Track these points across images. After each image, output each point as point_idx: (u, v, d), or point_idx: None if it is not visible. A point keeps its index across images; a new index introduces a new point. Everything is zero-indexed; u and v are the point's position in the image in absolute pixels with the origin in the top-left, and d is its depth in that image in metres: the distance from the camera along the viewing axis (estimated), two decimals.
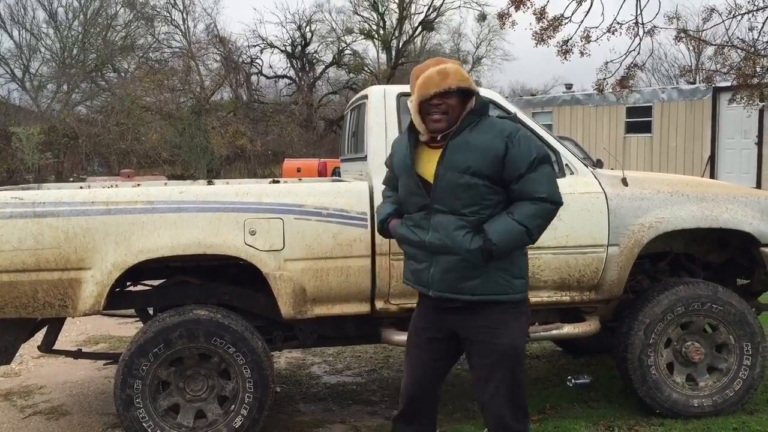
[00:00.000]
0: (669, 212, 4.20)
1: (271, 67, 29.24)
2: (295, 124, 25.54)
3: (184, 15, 28.69)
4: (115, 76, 27.72)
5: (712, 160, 15.57)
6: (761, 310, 4.73)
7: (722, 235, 4.48)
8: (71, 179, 17.93)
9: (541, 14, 11.22)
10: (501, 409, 2.83)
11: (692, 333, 4.29)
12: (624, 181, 4.22)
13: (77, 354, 4.49)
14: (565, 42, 11.44)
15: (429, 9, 30.12)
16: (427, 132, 2.83)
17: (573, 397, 4.66)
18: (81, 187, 4.31)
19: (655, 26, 11.26)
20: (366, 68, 30.56)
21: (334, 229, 3.86)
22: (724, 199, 4.33)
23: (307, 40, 29.40)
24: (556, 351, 5.78)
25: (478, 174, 2.73)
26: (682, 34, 12.39)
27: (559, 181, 2.90)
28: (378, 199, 3.92)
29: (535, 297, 4.01)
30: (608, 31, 11.23)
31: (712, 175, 15.30)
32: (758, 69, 11.36)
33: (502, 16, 11.62)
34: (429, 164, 2.83)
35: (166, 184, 5.02)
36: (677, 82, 24.82)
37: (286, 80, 29.81)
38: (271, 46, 28.65)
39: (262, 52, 28.72)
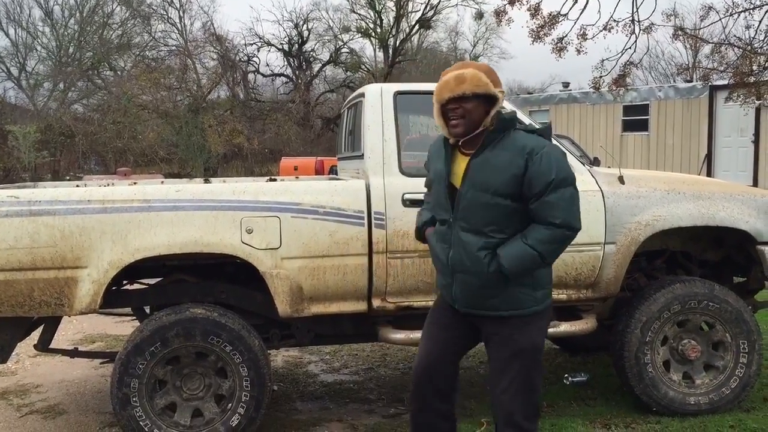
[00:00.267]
0: (666, 210, 4.20)
1: (268, 65, 29.20)
2: (292, 122, 25.49)
3: (181, 13, 28.70)
4: (111, 75, 27.68)
5: (709, 158, 15.60)
6: (757, 307, 4.73)
7: (719, 233, 4.49)
8: (68, 178, 17.88)
9: (535, 11, 11.23)
10: (512, 405, 2.80)
11: (689, 331, 4.29)
12: (621, 179, 4.22)
13: (74, 353, 4.48)
14: (560, 39, 11.45)
15: (426, 7, 30.07)
16: (450, 135, 2.85)
17: (570, 395, 4.66)
18: (77, 186, 4.31)
19: (652, 23, 11.29)
20: (363, 66, 30.53)
21: (331, 227, 3.86)
22: (721, 197, 4.33)
23: (304, 39, 29.35)
24: (553, 349, 5.79)
25: (499, 193, 2.73)
26: (680, 32, 12.41)
27: None
28: (375, 197, 3.93)
29: None
30: (604, 28, 11.25)
31: (709, 173, 15.32)
32: (755, 67, 11.39)
33: (499, 13, 11.64)
34: (460, 172, 2.85)
35: (163, 182, 5.01)
36: (674, 81, 24.87)
37: (283, 78, 29.76)
38: (268, 44, 28.60)
39: (258, 51, 28.66)
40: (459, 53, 33.13)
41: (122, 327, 6.53)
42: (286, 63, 29.69)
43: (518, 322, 2.81)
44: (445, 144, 2.90)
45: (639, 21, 11.16)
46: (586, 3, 11.14)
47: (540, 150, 2.72)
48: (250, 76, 28.21)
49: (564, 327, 4.18)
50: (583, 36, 11.31)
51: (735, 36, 11.78)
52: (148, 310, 4.34)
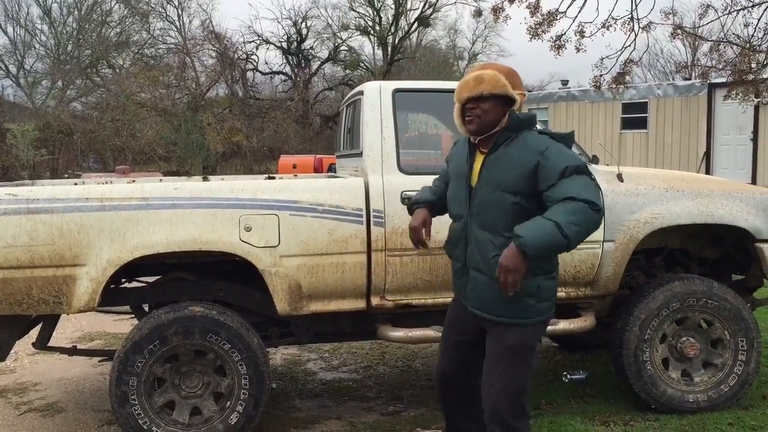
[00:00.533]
0: (664, 208, 4.21)
1: (266, 63, 29.26)
2: (290, 120, 25.48)
3: (179, 11, 28.63)
4: (110, 73, 27.63)
5: (708, 156, 15.60)
6: (756, 305, 4.74)
7: (717, 231, 4.49)
8: (66, 176, 17.88)
9: (534, 8, 11.23)
10: (498, 400, 2.81)
11: (687, 328, 4.30)
12: (619, 177, 4.22)
13: (72, 351, 4.48)
14: (559, 37, 11.45)
15: (425, 5, 30.07)
16: (466, 133, 2.92)
17: (569, 393, 4.66)
18: (76, 184, 4.30)
19: (651, 22, 11.29)
20: (362, 64, 30.53)
21: (330, 225, 3.86)
22: (720, 195, 4.33)
23: (303, 36, 29.34)
24: (551, 347, 5.79)
25: (509, 190, 2.75)
26: (678, 31, 12.41)
27: None
28: (373, 195, 3.93)
29: None
30: (603, 26, 11.25)
31: (708, 171, 15.33)
32: (753, 65, 11.39)
33: (496, 10, 11.63)
34: (477, 170, 2.91)
35: (161, 180, 5.01)
36: (673, 78, 24.86)
37: (282, 76, 29.76)
38: (267, 42, 28.60)
39: (257, 49, 28.65)
40: (458, 51, 33.14)
41: (121, 325, 6.53)
42: (284, 61, 29.72)
43: (519, 330, 2.84)
44: (469, 143, 2.97)
45: (638, 19, 11.17)
46: (585, 1, 11.14)
47: (552, 146, 2.75)
48: (249, 74, 28.23)
49: (563, 325, 4.18)
50: (581, 33, 11.30)
51: (734, 34, 11.79)
52: (146, 308, 4.34)
